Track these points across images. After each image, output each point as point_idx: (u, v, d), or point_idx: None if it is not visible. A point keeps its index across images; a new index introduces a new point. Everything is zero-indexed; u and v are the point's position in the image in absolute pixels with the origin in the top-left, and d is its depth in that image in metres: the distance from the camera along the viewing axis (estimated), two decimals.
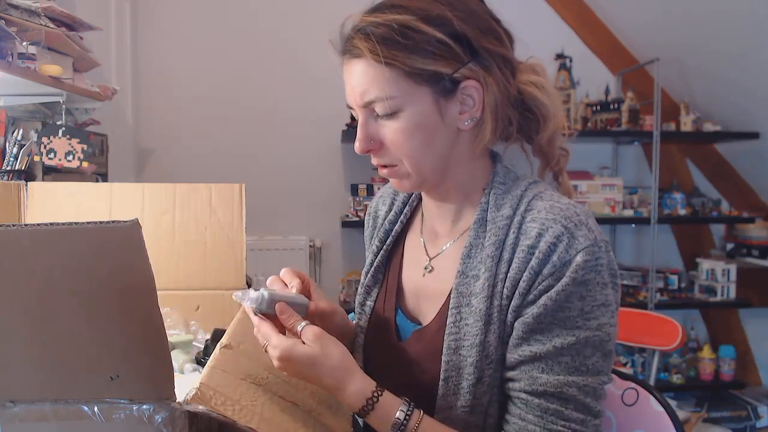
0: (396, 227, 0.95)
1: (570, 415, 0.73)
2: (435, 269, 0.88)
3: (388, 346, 0.89)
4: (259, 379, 0.79)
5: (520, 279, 0.75)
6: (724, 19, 2.51)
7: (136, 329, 0.62)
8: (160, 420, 0.62)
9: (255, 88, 2.99)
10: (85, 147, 1.82)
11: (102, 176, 1.92)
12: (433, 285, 0.86)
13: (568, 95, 3.01)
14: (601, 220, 2.80)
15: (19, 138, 1.64)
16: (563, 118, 0.87)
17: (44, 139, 1.75)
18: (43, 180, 1.66)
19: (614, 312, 0.75)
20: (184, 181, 1.32)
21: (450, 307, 0.80)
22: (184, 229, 1.29)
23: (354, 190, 2.92)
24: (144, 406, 0.63)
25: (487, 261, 0.77)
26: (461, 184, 0.85)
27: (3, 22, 1.48)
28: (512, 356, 0.76)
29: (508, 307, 0.76)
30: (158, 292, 0.62)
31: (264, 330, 0.77)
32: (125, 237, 0.59)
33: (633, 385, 1.04)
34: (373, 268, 0.95)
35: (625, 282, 3.06)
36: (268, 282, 0.85)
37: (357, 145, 0.81)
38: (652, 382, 1.97)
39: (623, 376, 1.06)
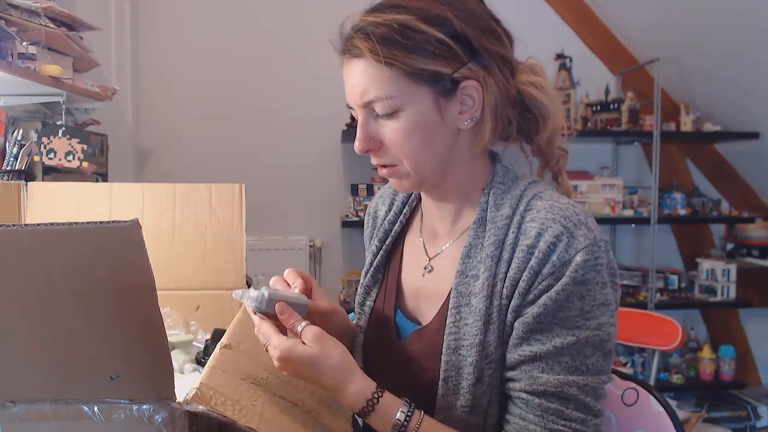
0: (395, 227, 0.95)
1: (570, 414, 0.73)
2: (434, 269, 0.88)
3: (388, 346, 0.89)
4: (259, 379, 0.79)
5: (520, 279, 0.75)
6: (724, 19, 2.51)
7: (136, 329, 0.62)
8: (160, 420, 0.62)
9: (255, 88, 2.99)
10: (85, 147, 1.82)
11: (102, 176, 1.92)
12: (433, 285, 0.86)
13: (568, 95, 3.01)
14: (601, 220, 2.80)
15: (19, 138, 1.64)
16: (562, 119, 0.88)
17: (44, 139, 1.75)
18: (43, 180, 1.66)
19: (614, 311, 0.76)
20: (184, 181, 1.32)
21: (449, 306, 0.80)
22: (184, 229, 1.29)
23: (354, 190, 2.92)
24: (144, 406, 0.63)
25: (487, 261, 0.78)
26: (461, 184, 0.85)
27: (3, 22, 1.48)
28: (512, 356, 0.76)
29: (508, 307, 0.76)
30: (158, 292, 0.62)
31: (264, 330, 0.77)
32: (125, 237, 0.59)
33: (633, 385, 1.04)
34: (372, 268, 0.95)
35: (625, 282, 3.06)
36: (271, 282, 0.85)
37: (357, 144, 0.81)
38: (652, 382, 1.97)
39: (623, 376, 1.06)
